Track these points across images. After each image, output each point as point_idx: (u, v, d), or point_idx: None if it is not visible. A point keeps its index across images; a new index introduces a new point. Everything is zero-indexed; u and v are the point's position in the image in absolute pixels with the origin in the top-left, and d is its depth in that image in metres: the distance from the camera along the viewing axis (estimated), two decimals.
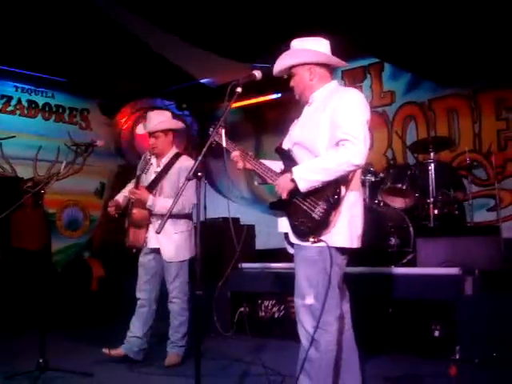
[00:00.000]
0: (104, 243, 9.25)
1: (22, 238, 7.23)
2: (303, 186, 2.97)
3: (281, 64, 3.24)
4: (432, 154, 6.20)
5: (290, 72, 3.23)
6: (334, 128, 3.00)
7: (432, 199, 6.01)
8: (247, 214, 7.47)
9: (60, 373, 4.36)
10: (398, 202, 6.29)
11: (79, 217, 9.50)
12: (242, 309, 5.95)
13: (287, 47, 3.27)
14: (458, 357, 4.62)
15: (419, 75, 7.68)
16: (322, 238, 2.98)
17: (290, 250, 3.25)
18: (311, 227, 2.99)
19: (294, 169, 3.01)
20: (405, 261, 5.72)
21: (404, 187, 6.14)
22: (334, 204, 2.98)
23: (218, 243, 6.47)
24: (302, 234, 3.04)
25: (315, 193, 2.99)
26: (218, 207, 6.11)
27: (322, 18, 6.37)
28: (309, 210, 3.00)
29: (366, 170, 6.51)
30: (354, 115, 3.00)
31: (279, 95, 8.42)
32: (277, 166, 3.29)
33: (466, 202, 6.35)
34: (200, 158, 2.98)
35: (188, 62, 8.25)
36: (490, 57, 6.69)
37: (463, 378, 4.18)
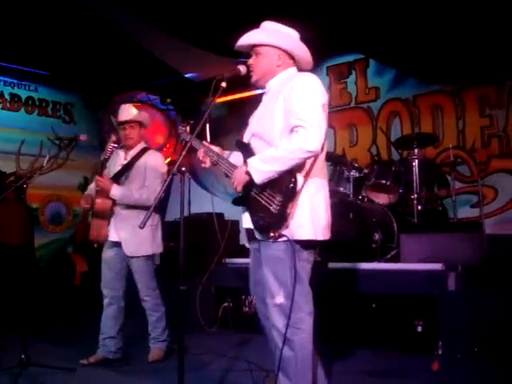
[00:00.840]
0: (87, 238, 9.18)
1: (3, 232, 7.16)
2: (258, 178, 2.85)
3: (252, 37, 3.12)
4: (416, 151, 6.23)
5: (254, 49, 3.12)
6: (288, 115, 2.91)
7: (416, 195, 6.04)
8: (232, 210, 7.42)
9: (42, 368, 4.32)
10: (382, 198, 6.31)
11: (62, 211, 9.44)
12: (225, 304, 5.95)
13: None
14: (440, 352, 4.67)
15: (404, 72, 7.69)
16: (284, 232, 2.87)
17: (251, 246, 3.19)
18: (270, 222, 2.87)
19: (249, 160, 2.92)
20: (388, 256, 5.74)
21: (388, 183, 6.16)
22: (290, 195, 2.85)
23: (203, 238, 6.46)
24: (263, 230, 2.92)
25: (272, 185, 2.87)
26: (203, 202, 6.10)
27: (307, 13, 6.37)
28: (267, 204, 2.88)
29: (350, 165, 6.53)
30: (308, 100, 2.90)
31: (264, 90, 8.39)
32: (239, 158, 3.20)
33: (449, 198, 6.38)
34: (183, 152, 2.96)
35: (173, 56, 8.22)
36: (475, 54, 6.72)
37: (445, 373, 4.22)
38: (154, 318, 4.75)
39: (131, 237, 4.57)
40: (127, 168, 4.70)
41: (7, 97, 8.86)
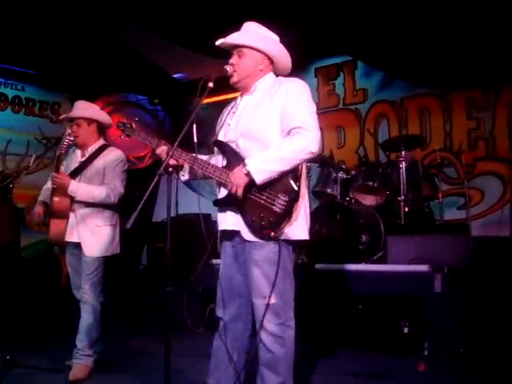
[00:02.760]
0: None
1: None
2: (260, 178, 2.87)
3: (240, 38, 3.14)
4: (403, 153, 6.25)
5: (238, 50, 3.13)
6: (285, 118, 2.97)
7: (403, 197, 6.06)
8: None
9: (28, 369, 4.30)
10: (369, 200, 6.33)
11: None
12: (212, 305, 5.93)
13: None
14: (426, 353, 4.69)
15: (391, 74, 7.72)
16: (283, 231, 2.91)
17: (225, 247, 3.19)
18: (273, 221, 2.88)
19: (248, 161, 2.91)
20: (375, 258, 5.75)
21: (375, 185, 6.18)
22: (295, 195, 2.90)
23: (190, 239, 6.44)
24: (262, 230, 2.92)
25: (272, 185, 2.91)
26: (190, 203, 6.08)
27: (295, 15, 6.39)
28: (268, 204, 2.90)
29: (338, 167, 6.55)
30: (306, 104, 3.00)
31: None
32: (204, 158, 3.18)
33: (436, 200, 6.41)
34: (170, 153, 2.95)
35: (160, 56, 8.20)
36: (462, 57, 6.76)
37: (431, 373, 4.24)
38: (86, 324, 4.39)
39: (90, 236, 4.39)
40: (85, 165, 4.50)
41: None
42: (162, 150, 3.17)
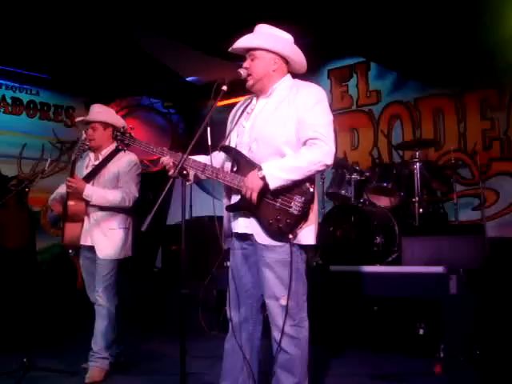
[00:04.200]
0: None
1: (4, 236, 7.14)
2: (273, 184, 2.88)
3: (249, 41, 3.13)
4: (418, 153, 6.23)
5: (250, 53, 3.12)
6: (302, 127, 2.96)
7: (417, 198, 6.04)
8: None
9: (44, 372, 4.33)
10: (383, 201, 6.31)
11: None
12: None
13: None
14: (442, 355, 4.66)
15: (405, 75, 7.70)
16: (299, 234, 2.96)
17: (235, 248, 3.20)
18: (290, 223, 2.91)
19: (264, 166, 2.91)
20: (390, 259, 5.74)
21: (389, 186, 6.16)
22: (310, 198, 2.93)
23: (204, 242, 6.46)
24: (281, 233, 2.93)
25: (286, 189, 2.92)
26: (204, 206, 6.11)
27: (308, 17, 6.38)
28: (284, 207, 2.92)
29: (351, 168, 6.54)
30: (324, 114, 3.00)
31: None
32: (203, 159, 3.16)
33: (451, 201, 6.38)
34: (185, 156, 2.95)
35: (174, 59, 8.23)
36: (476, 57, 6.72)
37: (448, 375, 4.22)
38: (101, 328, 4.40)
39: (104, 239, 4.41)
40: (99, 169, 4.50)
41: (9, 100, 8.84)
42: (168, 160, 3.11)
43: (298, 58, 3.19)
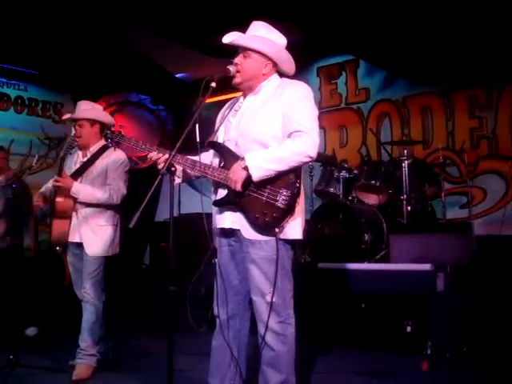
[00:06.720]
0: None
1: None
2: (256, 175, 2.87)
3: (247, 42, 3.11)
4: (405, 151, 6.25)
5: (245, 51, 3.11)
6: (287, 121, 2.98)
7: (405, 196, 6.06)
8: None
9: (31, 369, 4.30)
10: (371, 199, 6.33)
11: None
12: None
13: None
14: (429, 352, 4.68)
15: (394, 73, 7.72)
16: (285, 228, 2.96)
17: (222, 244, 3.22)
18: (277, 217, 2.90)
19: (247, 156, 2.91)
20: (378, 257, 5.76)
21: (378, 184, 6.18)
22: (296, 191, 2.92)
23: (192, 239, 6.44)
24: (267, 227, 2.93)
25: (273, 181, 2.92)
26: (192, 203, 6.08)
27: (298, 15, 6.38)
28: (271, 201, 2.91)
29: (340, 166, 6.56)
30: (309, 109, 3.01)
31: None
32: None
33: (438, 199, 6.41)
34: (173, 152, 2.94)
35: (163, 56, 8.20)
36: (464, 56, 6.75)
37: (435, 372, 4.24)
38: (88, 325, 4.37)
39: (92, 236, 4.39)
40: (87, 166, 4.48)
41: None
42: (157, 156, 3.11)
43: (289, 63, 3.22)
